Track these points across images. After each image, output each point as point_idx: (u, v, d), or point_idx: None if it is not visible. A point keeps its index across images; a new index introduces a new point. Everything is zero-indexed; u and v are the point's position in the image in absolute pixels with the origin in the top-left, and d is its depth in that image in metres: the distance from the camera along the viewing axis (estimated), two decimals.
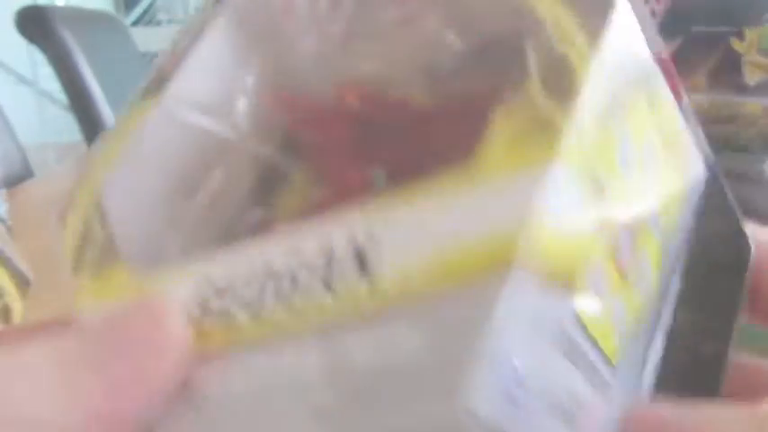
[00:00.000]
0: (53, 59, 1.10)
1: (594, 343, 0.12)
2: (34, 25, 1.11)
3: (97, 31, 1.23)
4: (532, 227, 0.10)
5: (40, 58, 1.23)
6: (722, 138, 0.29)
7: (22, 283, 0.45)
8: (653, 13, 0.29)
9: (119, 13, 2.61)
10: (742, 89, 0.28)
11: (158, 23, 2.81)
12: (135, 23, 2.69)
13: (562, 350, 0.11)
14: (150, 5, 2.79)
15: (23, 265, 0.46)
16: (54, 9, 1.25)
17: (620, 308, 0.13)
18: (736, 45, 0.28)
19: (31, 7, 1.16)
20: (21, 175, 0.89)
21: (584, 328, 0.12)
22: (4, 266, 0.44)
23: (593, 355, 0.12)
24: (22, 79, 2.26)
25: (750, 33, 0.27)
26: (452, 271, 0.10)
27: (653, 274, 0.14)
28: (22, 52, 2.00)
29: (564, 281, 0.11)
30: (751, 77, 0.28)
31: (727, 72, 0.28)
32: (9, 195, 0.67)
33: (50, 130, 2.19)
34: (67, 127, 1.47)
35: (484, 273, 0.10)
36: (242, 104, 0.14)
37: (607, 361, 0.13)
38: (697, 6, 0.29)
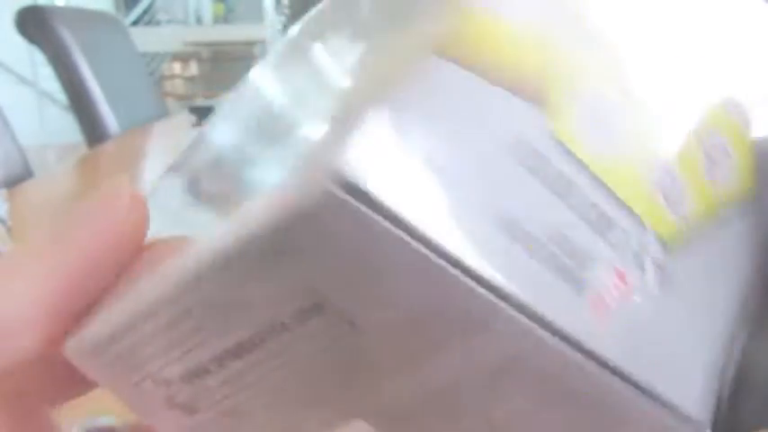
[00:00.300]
0: (53, 60, 1.10)
1: (599, 182, 0.12)
2: (34, 25, 1.11)
3: (97, 32, 1.23)
4: (466, 19, 0.11)
5: (40, 58, 1.23)
6: None
7: None
8: None
9: (119, 13, 2.62)
10: None
11: (158, 23, 2.81)
12: (135, 23, 2.70)
13: (527, 166, 0.11)
14: (150, 6, 2.80)
15: None
16: (54, 9, 1.25)
17: (668, 172, 0.13)
18: None
19: (31, 7, 1.16)
20: (21, 176, 0.89)
21: (568, 153, 0.12)
22: None
23: (597, 197, 0.12)
24: (22, 79, 2.26)
25: None
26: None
27: (737, 161, 0.14)
28: (22, 52, 2.00)
29: (523, 86, 0.11)
30: None
31: None
32: (9, 196, 0.67)
33: (50, 130, 2.19)
34: (67, 127, 1.47)
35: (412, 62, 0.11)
36: None
37: (639, 222, 0.12)
38: None
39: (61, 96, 1.29)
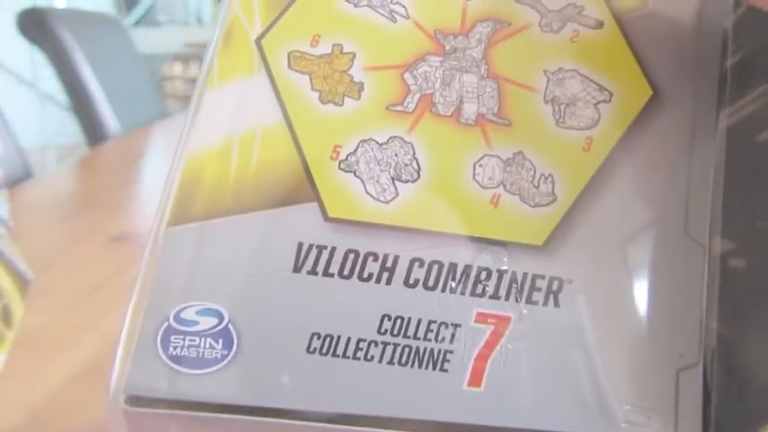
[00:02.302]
0: (54, 61, 1.10)
1: (406, 231, 0.11)
2: (35, 27, 1.11)
3: (98, 33, 1.23)
4: None
5: (40, 59, 1.23)
6: None
7: (23, 283, 0.45)
8: None
9: (119, 14, 2.62)
10: None
11: (159, 24, 2.81)
12: (136, 24, 2.70)
13: (319, 271, 0.11)
14: (151, 7, 2.80)
15: (24, 267, 0.46)
16: (54, 10, 1.25)
17: (500, 164, 0.11)
18: None
19: (31, 9, 1.16)
20: (21, 176, 0.89)
21: (361, 226, 0.11)
22: (5, 267, 0.44)
23: (413, 249, 0.11)
24: (22, 80, 2.26)
25: None
26: None
27: (612, 78, 0.12)
28: (22, 54, 2.00)
29: (285, 194, 0.11)
30: None
31: None
32: (10, 196, 0.67)
33: (51, 131, 2.19)
34: (68, 128, 1.47)
35: None
36: None
37: (497, 248, 0.11)
38: None
39: (62, 97, 1.29)
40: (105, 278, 0.39)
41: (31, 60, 2.13)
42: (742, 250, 0.11)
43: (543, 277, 0.11)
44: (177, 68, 2.67)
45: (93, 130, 1.09)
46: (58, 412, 0.28)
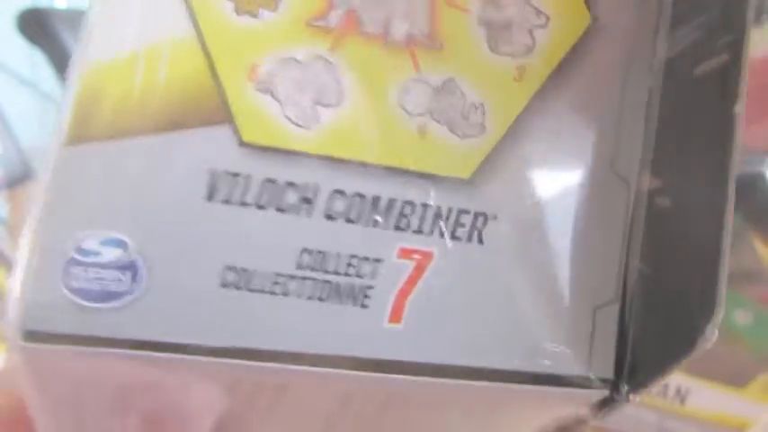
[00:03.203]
0: (54, 61, 1.10)
1: (333, 160, 0.10)
2: (35, 27, 1.11)
3: None
4: None
5: (40, 59, 1.23)
6: None
7: None
8: None
9: None
10: None
11: None
12: None
13: (232, 200, 0.10)
14: None
15: None
16: (55, 11, 1.25)
17: (428, 90, 0.11)
18: None
19: (31, 9, 1.16)
20: (21, 177, 0.89)
21: (273, 152, 0.10)
22: (5, 267, 0.44)
23: (337, 182, 0.10)
24: (22, 81, 2.26)
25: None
26: None
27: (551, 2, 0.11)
28: (22, 54, 1.99)
29: (193, 114, 0.10)
30: None
31: None
32: (10, 196, 0.67)
33: (51, 131, 2.18)
34: None
35: None
36: None
37: (414, 178, 0.10)
38: None
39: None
40: None
41: (31, 61, 2.12)
42: (669, 188, 0.11)
43: (468, 212, 0.10)
44: None
45: None
46: None
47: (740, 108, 0.10)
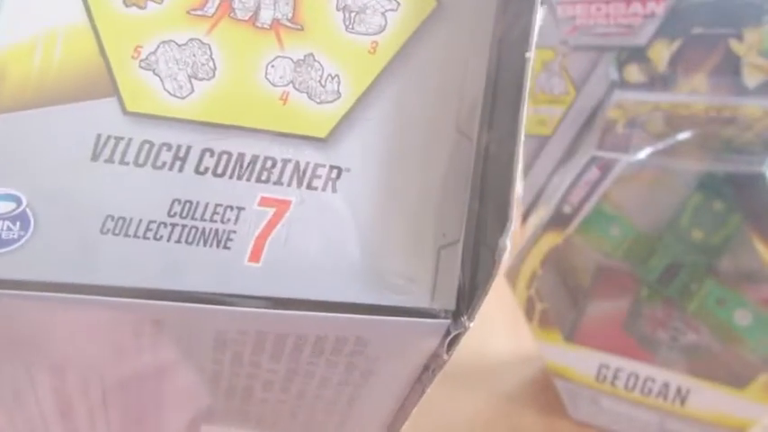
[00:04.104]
0: None
1: (202, 124, 0.12)
2: None
3: None
4: None
5: None
6: (722, 139, 0.29)
7: None
8: (652, 15, 0.29)
9: None
10: (742, 91, 0.28)
11: None
12: None
13: (114, 159, 0.11)
14: None
15: None
16: None
17: (290, 64, 0.12)
18: (736, 47, 0.28)
19: None
20: None
21: (150, 118, 0.12)
22: None
23: (205, 141, 0.12)
24: None
25: (749, 35, 0.27)
26: None
27: None
28: None
29: (84, 88, 0.12)
30: (750, 79, 0.28)
31: (727, 74, 0.28)
32: None
33: None
34: None
35: None
36: None
37: (272, 137, 0.12)
38: (697, 8, 0.29)
39: None
40: None
41: None
42: (495, 139, 0.12)
43: (324, 166, 0.12)
44: None
45: None
46: None
47: (531, 55, 0.12)
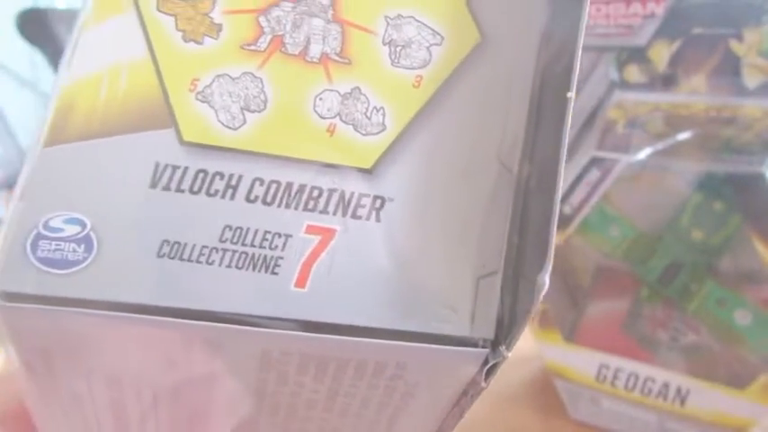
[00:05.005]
0: (54, 61, 1.10)
1: (254, 154, 0.12)
2: (35, 27, 1.11)
3: None
4: None
5: (40, 60, 1.23)
6: (722, 140, 0.29)
7: None
8: (652, 15, 0.29)
9: None
10: (741, 91, 0.28)
11: None
12: None
13: (170, 187, 0.12)
14: None
15: None
16: (55, 12, 1.25)
17: (337, 98, 0.13)
18: (736, 47, 0.28)
19: (31, 10, 1.16)
20: None
21: (205, 148, 0.12)
22: None
23: (257, 171, 0.12)
24: (22, 81, 2.26)
25: (749, 35, 0.27)
26: None
27: (442, 22, 0.14)
28: (22, 54, 2.00)
29: (143, 120, 0.12)
30: (750, 80, 0.28)
31: (727, 74, 0.28)
32: (9, 197, 0.67)
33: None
34: None
35: None
36: None
37: (319, 168, 0.12)
38: (697, 8, 0.29)
39: None
40: None
41: (31, 61, 2.13)
42: (536, 173, 0.13)
43: (368, 196, 0.12)
44: None
45: None
46: None
47: (572, 94, 0.12)
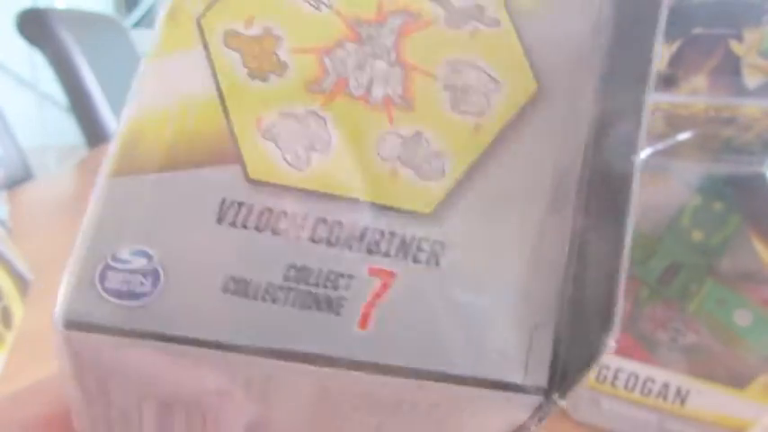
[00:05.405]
0: (53, 61, 1.10)
1: (317, 194, 0.12)
2: (35, 27, 1.11)
3: (98, 34, 1.23)
4: None
5: (40, 60, 1.23)
6: (722, 140, 0.29)
7: (23, 285, 0.45)
8: None
9: (119, 15, 2.62)
10: (741, 91, 0.28)
11: None
12: (135, 25, 2.70)
13: (236, 222, 0.12)
14: (151, 8, 2.80)
15: (24, 268, 0.46)
16: (54, 11, 1.25)
17: (401, 141, 0.13)
18: (735, 48, 0.28)
19: (31, 10, 1.16)
20: (21, 177, 0.89)
21: (271, 186, 0.12)
22: (5, 268, 0.44)
23: (320, 211, 0.12)
24: (22, 81, 2.26)
25: (749, 35, 0.27)
26: None
27: (501, 70, 0.14)
28: (22, 54, 2.00)
29: (210, 155, 0.13)
30: (750, 80, 0.28)
31: (727, 74, 0.28)
32: (9, 197, 0.67)
33: (51, 132, 2.19)
34: (68, 129, 1.47)
35: None
36: None
37: (380, 210, 0.13)
38: (697, 8, 0.29)
39: (62, 98, 1.29)
40: None
41: (31, 61, 2.13)
42: (593, 223, 0.13)
43: (428, 240, 0.12)
44: None
45: (93, 131, 1.09)
46: None
47: (638, 158, 0.12)
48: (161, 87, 0.13)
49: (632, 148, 0.12)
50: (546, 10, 0.14)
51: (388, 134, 0.13)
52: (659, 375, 0.31)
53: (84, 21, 1.24)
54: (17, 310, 0.43)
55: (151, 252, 0.12)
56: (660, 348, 0.31)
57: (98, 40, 1.20)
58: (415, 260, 0.12)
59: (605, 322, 0.11)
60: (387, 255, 0.12)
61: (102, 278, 0.12)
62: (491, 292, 0.12)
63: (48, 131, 2.24)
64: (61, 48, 1.09)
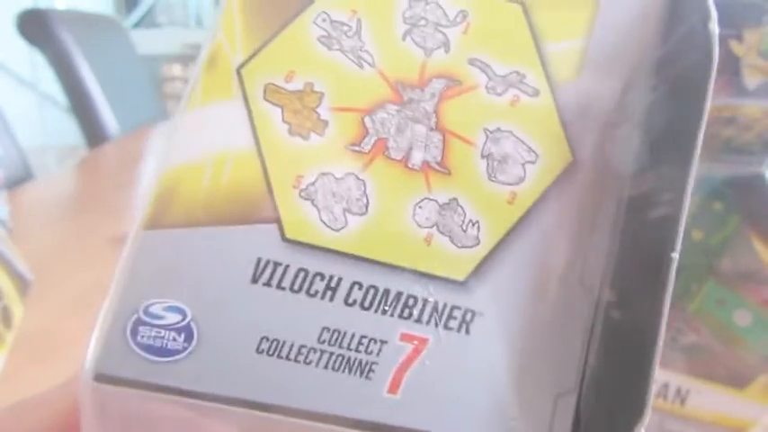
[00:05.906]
0: (54, 62, 1.10)
1: (354, 258, 0.12)
2: (35, 28, 1.11)
3: (98, 34, 1.23)
4: None
5: (40, 60, 1.24)
6: (722, 140, 0.29)
7: (23, 285, 0.45)
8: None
9: (119, 15, 2.62)
10: (741, 92, 0.28)
11: (159, 26, 2.81)
12: (135, 26, 2.70)
13: (271, 283, 0.12)
14: (151, 8, 2.80)
15: (24, 268, 0.46)
16: (54, 12, 1.25)
17: (437, 207, 0.13)
18: (735, 48, 0.28)
19: (31, 10, 1.16)
20: (21, 178, 0.89)
21: (307, 247, 0.13)
22: (5, 268, 0.44)
23: (356, 275, 0.12)
24: (22, 82, 2.26)
25: (749, 36, 0.27)
26: None
27: (537, 140, 0.14)
28: (22, 54, 2.00)
29: (247, 212, 0.13)
30: (750, 80, 0.28)
31: (727, 74, 0.28)
32: (9, 197, 0.67)
33: (51, 132, 2.19)
34: (68, 129, 1.47)
35: None
36: None
37: (416, 276, 0.13)
38: None
39: (62, 98, 1.29)
40: (105, 278, 0.38)
41: (31, 61, 2.13)
42: (621, 303, 0.13)
43: (460, 308, 0.13)
44: (177, 70, 2.67)
45: (93, 132, 1.09)
46: None
47: (676, 255, 0.12)
48: (198, 139, 0.13)
49: (672, 240, 0.12)
50: (584, 76, 0.14)
51: (425, 200, 0.13)
52: (659, 375, 0.31)
53: (84, 21, 1.24)
54: (17, 310, 0.43)
55: (185, 308, 0.12)
56: None
57: (98, 41, 1.20)
58: (447, 327, 0.12)
59: (636, 405, 0.11)
60: (419, 321, 0.12)
61: (134, 333, 0.12)
62: (517, 359, 0.12)
63: (48, 131, 2.24)
64: (61, 48, 1.09)
